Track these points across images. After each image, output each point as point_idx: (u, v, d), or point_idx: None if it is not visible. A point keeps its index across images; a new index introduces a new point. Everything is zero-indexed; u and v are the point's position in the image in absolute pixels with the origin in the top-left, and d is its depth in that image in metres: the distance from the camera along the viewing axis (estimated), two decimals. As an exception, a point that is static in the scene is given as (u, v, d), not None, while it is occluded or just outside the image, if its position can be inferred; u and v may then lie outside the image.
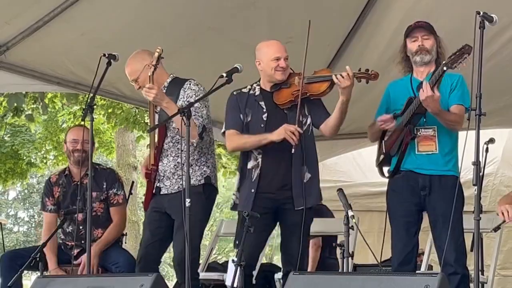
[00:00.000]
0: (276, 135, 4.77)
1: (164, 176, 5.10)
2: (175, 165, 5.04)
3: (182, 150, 4.87)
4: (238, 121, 4.95)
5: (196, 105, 4.91)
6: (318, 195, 4.96)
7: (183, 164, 4.74)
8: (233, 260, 4.55)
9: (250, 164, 4.92)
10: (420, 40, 4.87)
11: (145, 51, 5.15)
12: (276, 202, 4.88)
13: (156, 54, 4.93)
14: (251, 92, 4.99)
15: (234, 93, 5.01)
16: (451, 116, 4.76)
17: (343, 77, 4.71)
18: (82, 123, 5.05)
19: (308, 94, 4.89)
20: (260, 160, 4.90)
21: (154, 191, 5.13)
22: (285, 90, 4.94)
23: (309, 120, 4.95)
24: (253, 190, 4.86)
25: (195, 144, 4.98)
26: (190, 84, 5.08)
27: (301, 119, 4.88)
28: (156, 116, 5.13)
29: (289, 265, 4.82)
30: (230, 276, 4.63)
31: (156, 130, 5.08)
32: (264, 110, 4.94)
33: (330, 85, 4.84)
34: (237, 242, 4.80)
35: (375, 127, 5.07)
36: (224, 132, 5.02)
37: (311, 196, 4.87)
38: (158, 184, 5.12)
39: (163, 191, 5.10)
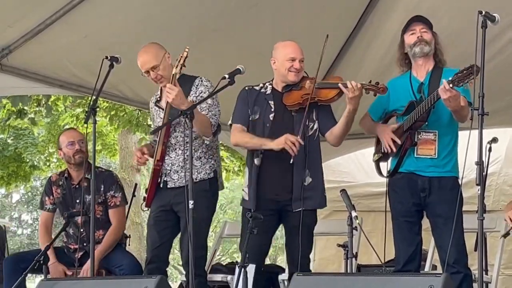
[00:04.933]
0: (275, 144, 4.77)
1: (171, 170, 5.11)
2: (184, 158, 5.05)
3: (185, 153, 4.89)
4: (246, 116, 4.95)
5: (209, 102, 4.99)
6: (320, 199, 4.94)
7: (187, 162, 4.76)
8: (237, 262, 4.55)
9: (256, 161, 4.92)
10: (418, 32, 4.87)
11: (158, 43, 5.18)
12: (279, 203, 4.88)
13: (185, 54, 4.95)
14: (263, 90, 5.00)
15: (246, 88, 5.02)
16: (465, 110, 4.74)
17: (351, 87, 4.68)
18: (85, 126, 5.04)
19: (316, 99, 4.88)
20: (261, 158, 4.89)
21: (161, 185, 5.13)
22: (296, 92, 4.94)
23: (316, 125, 4.94)
24: (256, 190, 4.88)
25: (207, 142, 5.06)
26: (202, 81, 5.12)
27: (307, 123, 4.88)
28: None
29: (292, 267, 4.85)
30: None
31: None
32: (272, 109, 4.94)
33: (339, 93, 4.83)
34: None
35: (374, 130, 5.08)
36: (231, 124, 5.03)
37: (311, 199, 4.87)
38: (165, 178, 5.13)
39: (170, 185, 5.11)
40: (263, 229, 4.65)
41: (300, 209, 4.81)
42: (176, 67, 4.96)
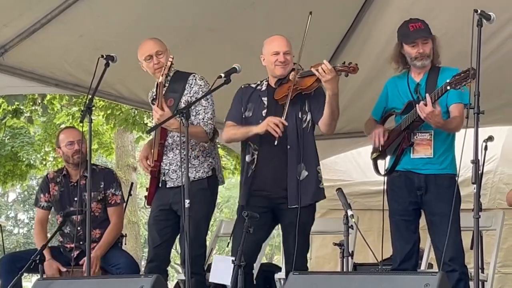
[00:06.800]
0: (259, 128, 4.78)
1: (169, 170, 5.12)
2: (181, 158, 5.04)
3: (182, 152, 4.89)
4: (238, 114, 4.99)
5: (204, 104, 4.99)
6: (315, 193, 4.89)
7: (183, 161, 4.76)
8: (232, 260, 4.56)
9: (247, 158, 4.93)
10: (420, 46, 4.83)
11: None
12: (272, 201, 4.87)
13: (169, 64, 4.98)
14: (258, 87, 5.02)
15: (242, 86, 5.05)
16: (453, 124, 4.75)
17: (323, 71, 4.68)
18: (81, 124, 5.04)
19: (299, 89, 4.88)
20: (256, 156, 4.90)
21: (160, 185, 5.14)
22: (285, 86, 4.95)
23: (309, 117, 4.92)
24: (249, 187, 4.88)
25: (205, 145, 5.08)
26: (195, 79, 5.12)
27: (300, 116, 4.88)
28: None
29: (288, 265, 4.84)
30: (215, 272, 4.59)
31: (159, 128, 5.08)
32: (265, 105, 4.95)
33: (317, 79, 4.80)
34: (230, 240, 4.87)
35: (370, 130, 5.09)
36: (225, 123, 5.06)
37: (306, 194, 4.82)
38: (164, 178, 5.13)
39: (169, 184, 5.11)
40: (256, 227, 4.62)
41: (295, 206, 4.79)
42: (162, 75, 4.98)
